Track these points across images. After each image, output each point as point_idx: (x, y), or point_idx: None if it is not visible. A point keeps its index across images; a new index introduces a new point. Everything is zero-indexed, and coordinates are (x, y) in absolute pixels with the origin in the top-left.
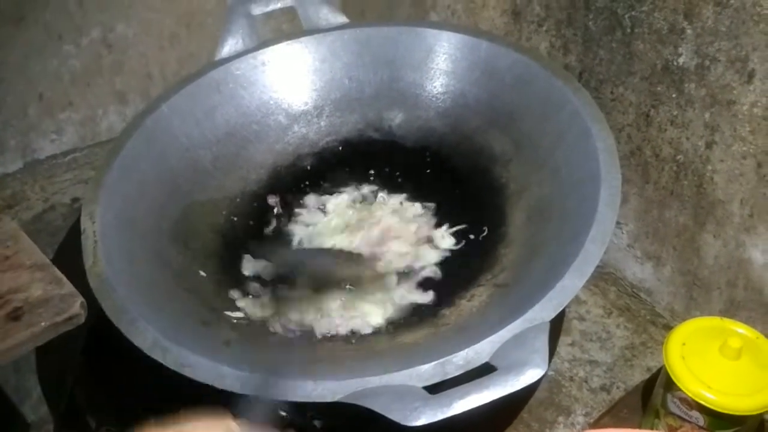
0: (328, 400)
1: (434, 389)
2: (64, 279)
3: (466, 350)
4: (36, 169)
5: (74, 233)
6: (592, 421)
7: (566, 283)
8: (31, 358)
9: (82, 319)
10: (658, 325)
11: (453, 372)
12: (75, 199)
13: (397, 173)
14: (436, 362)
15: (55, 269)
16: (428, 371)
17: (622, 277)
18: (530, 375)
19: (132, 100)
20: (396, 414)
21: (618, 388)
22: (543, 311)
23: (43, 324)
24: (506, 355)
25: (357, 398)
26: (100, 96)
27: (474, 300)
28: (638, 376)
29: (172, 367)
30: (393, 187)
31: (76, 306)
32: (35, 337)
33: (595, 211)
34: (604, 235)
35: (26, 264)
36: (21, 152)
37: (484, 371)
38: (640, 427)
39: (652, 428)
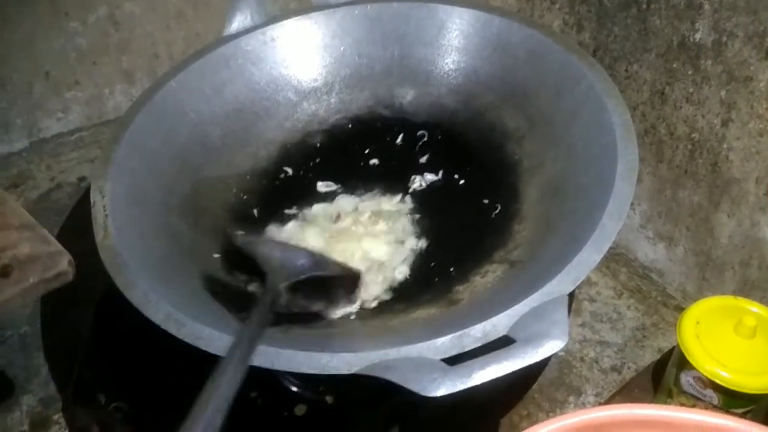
0: (344, 372)
1: (452, 363)
2: (52, 238)
3: (484, 323)
4: (42, 148)
5: (80, 212)
6: (603, 401)
7: (583, 257)
8: (38, 336)
9: (71, 276)
10: (670, 306)
11: (471, 345)
12: (81, 178)
13: (408, 151)
14: (453, 335)
15: (43, 229)
16: (446, 344)
17: (634, 258)
18: (550, 347)
19: (139, 79)
20: (415, 385)
21: (629, 368)
22: (561, 285)
23: (31, 280)
24: (525, 328)
25: (374, 370)
26: (107, 75)
27: (488, 276)
28: (649, 357)
29: (187, 339)
30: (402, 167)
31: (64, 263)
32: (24, 293)
33: (611, 186)
34: (621, 210)
35: (13, 224)
36: (27, 131)
37: (502, 345)
38: None
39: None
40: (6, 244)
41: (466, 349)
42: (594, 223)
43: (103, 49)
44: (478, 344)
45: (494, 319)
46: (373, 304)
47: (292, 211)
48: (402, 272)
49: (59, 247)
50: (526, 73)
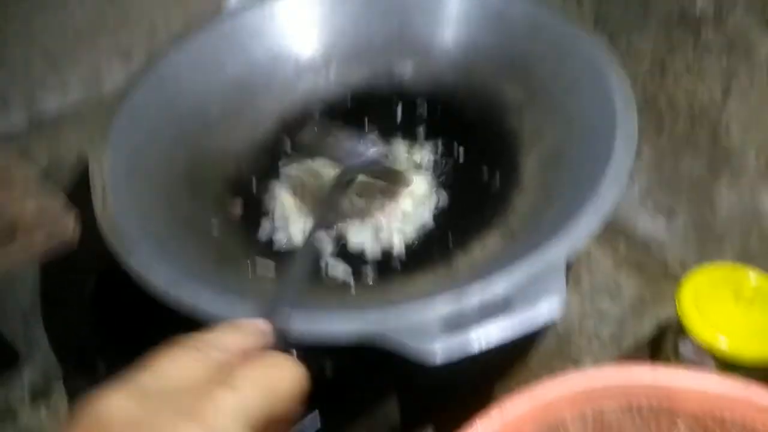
0: (343, 340)
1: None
2: (59, 194)
3: (481, 287)
4: (41, 126)
5: (80, 190)
6: None
7: (582, 225)
8: (39, 307)
9: (77, 238)
10: (669, 278)
11: (469, 309)
12: (80, 155)
13: (408, 124)
14: (450, 300)
15: (49, 185)
16: (443, 309)
17: (633, 230)
18: (548, 311)
19: (137, 56)
20: (414, 352)
21: (627, 340)
22: (558, 251)
23: (38, 240)
24: (523, 294)
25: (372, 337)
26: (105, 52)
27: (488, 246)
28: (648, 329)
29: (188, 304)
30: (402, 140)
31: (72, 222)
32: (31, 254)
33: (610, 157)
34: (620, 180)
35: (17, 179)
36: (25, 109)
37: (501, 312)
38: None
39: None
40: (9, 202)
41: (465, 314)
42: (593, 192)
43: (102, 26)
44: (476, 310)
45: (491, 284)
46: (369, 277)
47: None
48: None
49: (67, 204)
50: (526, 45)
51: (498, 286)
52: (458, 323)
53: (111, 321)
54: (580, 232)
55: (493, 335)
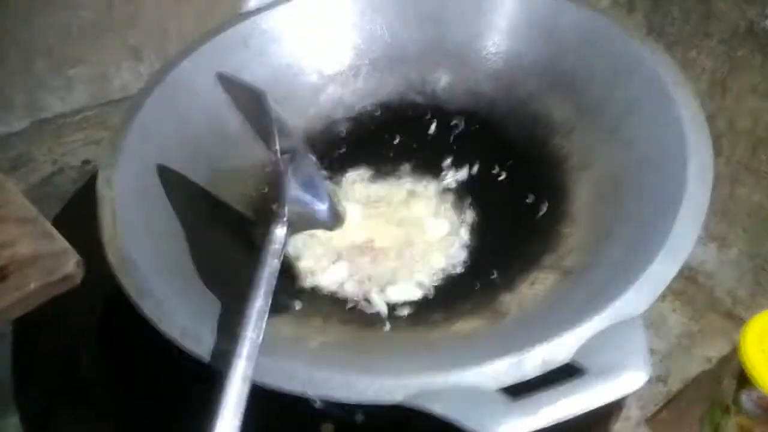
0: (387, 401)
1: (510, 393)
2: (57, 234)
3: (544, 346)
4: (43, 129)
5: (84, 197)
6: (648, 414)
7: (656, 270)
8: (37, 333)
9: (78, 280)
10: (718, 311)
11: (531, 372)
12: (85, 162)
13: (442, 141)
14: (509, 359)
15: (46, 223)
16: (502, 369)
17: None
18: (630, 381)
19: (147, 56)
20: (472, 422)
21: (674, 378)
22: (633, 303)
23: (32, 285)
24: (595, 356)
25: (423, 401)
26: (113, 51)
27: (537, 285)
28: (696, 366)
29: (206, 358)
30: (436, 159)
31: (71, 264)
32: (24, 301)
33: (682, 188)
34: (697, 216)
35: (11, 216)
36: (27, 110)
37: (567, 374)
38: (701, 422)
39: (717, 424)
40: (3, 241)
41: (527, 378)
42: (664, 230)
43: (109, 23)
44: (540, 371)
45: (557, 342)
46: (406, 311)
47: None
48: (455, 258)
49: (65, 244)
50: (577, 58)
51: (563, 343)
52: (522, 396)
53: (111, 353)
54: (655, 280)
55: (566, 407)
